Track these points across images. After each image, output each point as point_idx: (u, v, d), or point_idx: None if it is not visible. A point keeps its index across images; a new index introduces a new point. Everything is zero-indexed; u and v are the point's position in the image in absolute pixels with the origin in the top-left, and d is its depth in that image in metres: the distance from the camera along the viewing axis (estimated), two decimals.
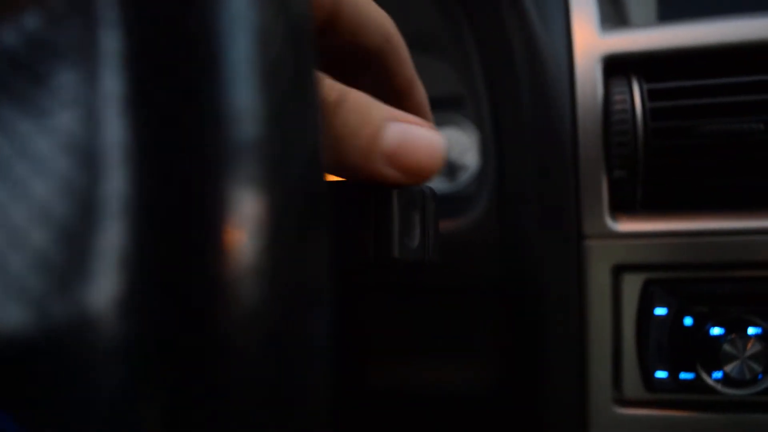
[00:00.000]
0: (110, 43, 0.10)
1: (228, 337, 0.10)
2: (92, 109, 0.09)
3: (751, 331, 0.46)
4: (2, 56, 0.10)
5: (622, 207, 0.49)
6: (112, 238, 0.09)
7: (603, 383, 0.49)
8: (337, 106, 0.17)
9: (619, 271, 0.48)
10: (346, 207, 0.20)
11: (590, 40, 0.50)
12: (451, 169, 0.73)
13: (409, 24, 0.69)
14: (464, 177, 0.73)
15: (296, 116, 0.12)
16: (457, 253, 0.54)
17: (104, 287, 0.09)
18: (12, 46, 0.10)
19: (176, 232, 0.09)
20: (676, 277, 0.48)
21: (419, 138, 0.19)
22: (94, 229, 0.09)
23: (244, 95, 0.10)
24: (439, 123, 0.75)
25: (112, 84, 0.09)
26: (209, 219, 0.09)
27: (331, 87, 0.18)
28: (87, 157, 0.09)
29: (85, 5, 0.10)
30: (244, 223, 0.10)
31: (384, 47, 0.24)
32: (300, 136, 0.12)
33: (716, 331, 0.46)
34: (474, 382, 0.60)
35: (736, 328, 0.46)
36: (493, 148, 0.54)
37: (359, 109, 0.18)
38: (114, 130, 0.09)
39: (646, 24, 0.64)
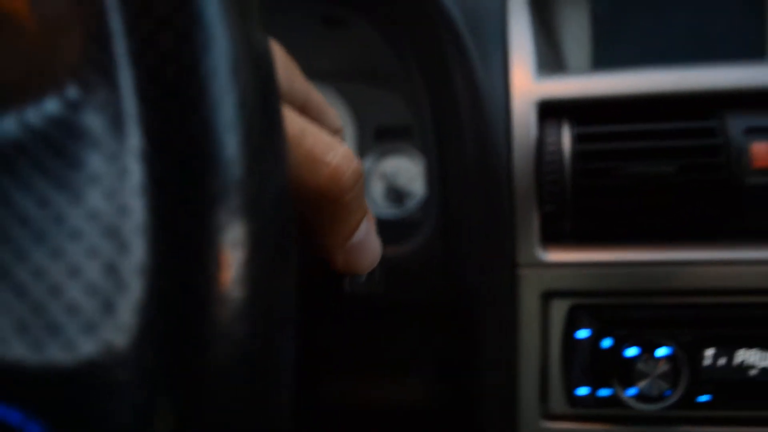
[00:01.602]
0: (133, 139, 0.13)
1: (219, 359, 0.13)
2: (116, 191, 0.13)
3: (661, 352, 0.51)
4: (37, 136, 0.14)
5: (552, 238, 0.54)
6: (131, 293, 0.13)
7: (531, 399, 0.54)
8: (301, 137, 0.22)
9: (547, 297, 0.53)
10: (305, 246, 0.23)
11: (526, 85, 0.55)
12: (399, 195, 0.78)
13: (365, 59, 0.74)
14: (411, 203, 0.77)
15: (268, 163, 0.15)
16: (404, 276, 0.58)
17: (124, 330, 0.12)
18: (46, 126, 0.14)
19: (183, 291, 0.13)
20: (598, 303, 0.53)
21: (373, 245, 0.24)
22: (118, 285, 0.13)
23: (231, 161, 0.14)
24: (390, 151, 0.79)
25: (134, 173, 0.13)
26: (209, 276, 0.13)
27: (293, 121, 0.22)
28: (111, 230, 0.13)
29: (114, 103, 0.13)
30: (233, 260, 0.13)
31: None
32: (272, 174, 0.15)
33: (631, 352, 0.51)
34: (418, 397, 0.64)
35: (649, 349, 0.51)
36: (437, 178, 0.58)
37: (319, 139, 0.22)
38: (134, 210, 0.13)
39: (581, 66, 0.70)
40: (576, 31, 0.71)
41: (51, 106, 0.14)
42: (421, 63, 0.57)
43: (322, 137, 0.23)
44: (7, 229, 0.13)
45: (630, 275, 0.52)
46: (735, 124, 0.51)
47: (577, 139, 0.52)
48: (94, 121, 0.13)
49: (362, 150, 0.80)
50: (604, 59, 0.70)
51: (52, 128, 0.14)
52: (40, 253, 0.13)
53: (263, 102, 0.15)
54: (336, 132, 0.32)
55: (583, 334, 0.52)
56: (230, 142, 0.14)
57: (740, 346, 0.51)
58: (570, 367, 0.53)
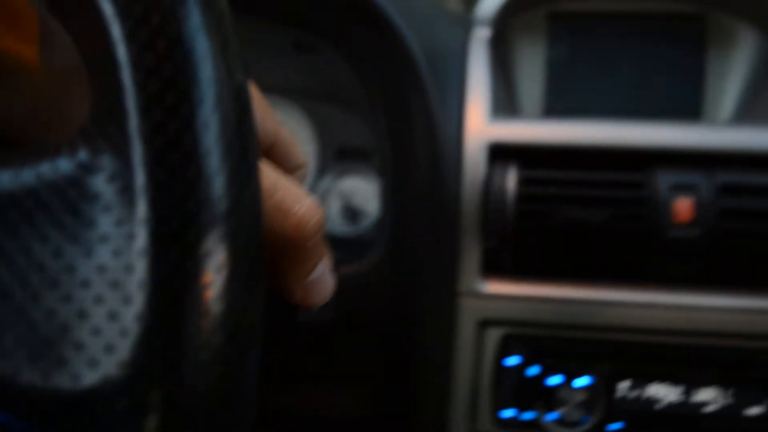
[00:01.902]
0: (141, 208, 0.16)
1: (200, 364, 0.16)
2: (123, 251, 0.16)
3: (581, 382, 0.56)
4: (53, 192, 0.17)
5: (492, 270, 0.58)
6: (131, 336, 0.16)
7: (462, 418, 0.58)
8: (273, 190, 0.25)
9: (483, 324, 0.57)
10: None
11: (480, 127, 0.59)
12: (354, 214, 0.81)
13: (331, 82, 0.77)
14: (366, 223, 0.81)
15: (247, 200, 0.19)
16: (353, 295, 0.61)
17: (123, 365, 0.16)
18: (61, 184, 0.17)
19: (174, 323, 0.16)
20: (528, 333, 0.57)
21: (328, 282, 0.28)
22: (120, 330, 0.16)
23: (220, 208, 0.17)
24: (349, 171, 0.83)
25: (139, 237, 0.16)
26: (195, 302, 0.16)
27: (267, 175, 0.25)
28: (117, 283, 0.16)
29: (125, 175, 0.17)
30: (216, 282, 0.17)
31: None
32: (249, 212, 0.19)
33: (554, 380, 0.56)
34: (361, 407, 0.68)
35: (570, 378, 0.56)
36: (390, 204, 0.62)
37: (288, 192, 0.26)
38: (138, 269, 0.16)
39: (533, 104, 0.75)
40: (531, 71, 0.76)
41: (65, 165, 0.17)
42: (383, 95, 0.61)
43: (292, 189, 0.26)
44: (26, 274, 0.16)
45: (559, 310, 0.56)
46: (663, 180, 0.56)
47: (521, 182, 0.57)
48: (106, 188, 0.17)
49: (323, 168, 0.83)
50: (555, 99, 0.75)
51: (67, 187, 0.17)
52: (54, 297, 0.16)
53: (245, 146, 0.18)
54: (300, 167, 0.35)
55: (512, 361, 0.57)
56: (218, 184, 0.17)
57: (651, 381, 0.56)
58: (498, 390, 0.57)
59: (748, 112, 0.70)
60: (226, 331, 0.17)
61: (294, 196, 0.25)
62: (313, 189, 0.83)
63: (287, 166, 0.32)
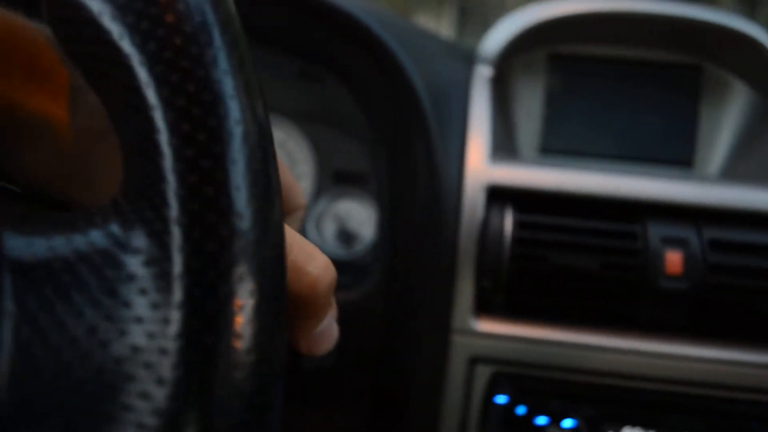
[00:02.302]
0: (177, 295, 0.17)
1: (231, 414, 0.17)
2: (157, 335, 0.17)
3: (567, 423, 0.57)
4: (87, 265, 0.18)
5: (485, 309, 0.59)
6: (162, 413, 0.17)
7: None
8: (289, 248, 0.25)
9: (474, 362, 0.58)
10: None
11: (479, 168, 0.60)
12: (349, 237, 0.82)
13: (334, 108, 0.78)
14: (360, 247, 0.82)
15: (272, 237, 0.19)
16: (347, 323, 0.62)
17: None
18: (95, 257, 0.18)
19: (203, 384, 0.17)
20: (518, 373, 0.59)
21: (333, 333, 0.29)
22: (151, 407, 0.17)
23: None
24: (345, 194, 0.84)
25: (174, 322, 0.17)
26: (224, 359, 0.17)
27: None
28: (150, 364, 0.17)
29: (162, 261, 0.17)
30: (243, 329, 0.18)
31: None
32: (276, 261, 0.20)
33: (541, 420, 0.57)
34: None
35: (557, 419, 0.57)
36: (388, 234, 0.63)
37: (303, 250, 0.26)
38: (171, 352, 0.17)
39: (530, 140, 0.77)
40: (530, 110, 0.77)
41: (98, 239, 0.17)
42: (386, 129, 0.62)
43: (306, 248, 0.27)
44: (60, 348, 0.17)
45: (548, 352, 0.58)
46: (654, 231, 0.58)
47: (517, 225, 0.58)
48: (143, 271, 0.17)
49: (319, 190, 0.84)
50: (552, 139, 0.77)
51: (103, 263, 0.17)
52: (83, 371, 0.17)
53: (268, 183, 0.19)
54: (298, 208, 0.35)
55: (501, 399, 0.58)
56: (246, 224, 0.18)
57: (635, 426, 0.58)
58: (486, 427, 0.58)
59: (737, 166, 0.72)
60: (255, 380, 0.18)
61: (308, 255, 0.25)
62: (309, 211, 0.84)
63: (286, 208, 0.33)
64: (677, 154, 0.75)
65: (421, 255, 0.60)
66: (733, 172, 0.73)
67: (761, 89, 0.73)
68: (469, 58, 0.75)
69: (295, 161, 0.85)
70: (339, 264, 0.80)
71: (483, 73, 0.71)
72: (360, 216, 0.83)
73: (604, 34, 0.74)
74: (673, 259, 0.56)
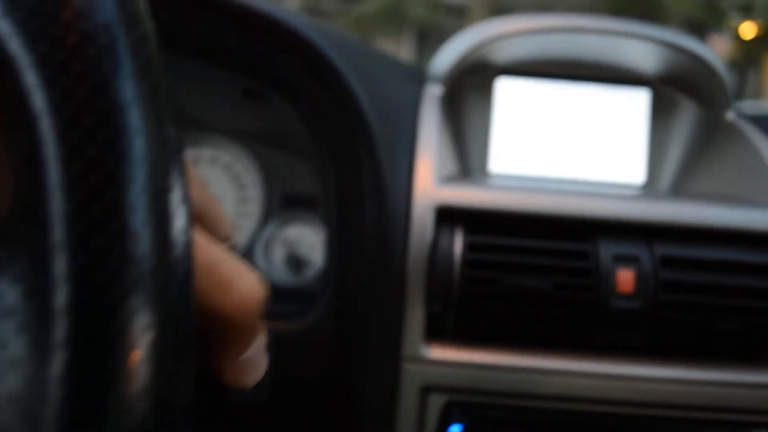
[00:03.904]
0: (59, 331, 0.15)
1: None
2: (37, 379, 0.14)
3: None
4: None
5: (435, 335, 0.57)
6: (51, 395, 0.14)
7: None
8: (215, 265, 0.23)
9: (426, 391, 0.56)
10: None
11: (428, 189, 0.58)
12: (299, 263, 0.79)
13: (281, 128, 0.76)
14: (310, 273, 0.79)
15: (175, 260, 0.17)
16: (295, 353, 0.59)
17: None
18: None
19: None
20: (472, 401, 0.56)
21: (261, 361, 0.26)
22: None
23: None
24: (295, 219, 0.81)
25: (56, 362, 0.14)
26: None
27: (209, 249, 0.23)
28: (29, 414, 0.14)
29: (43, 293, 0.15)
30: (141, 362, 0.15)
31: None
32: (180, 290, 0.17)
33: None
34: None
35: None
36: (336, 259, 0.60)
37: (231, 268, 0.24)
38: (52, 398, 0.14)
39: (482, 163, 0.76)
40: (481, 129, 0.76)
41: None
42: (332, 148, 0.59)
43: (234, 265, 0.24)
44: None
45: (503, 378, 0.56)
46: (606, 250, 0.56)
47: (467, 247, 0.56)
48: (24, 303, 0.15)
49: (268, 214, 0.81)
50: (503, 158, 0.76)
51: None
52: None
53: (172, 203, 0.17)
54: (225, 239, 0.33)
55: (455, 429, 0.56)
56: (141, 249, 0.16)
57: None
58: None
59: (687, 183, 0.72)
60: (151, 399, 0.16)
61: (235, 272, 0.23)
62: (257, 236, 0.81)
63: (213, 239, 0.31)
64: (628, 173, 0.75)
65: (370, 280, 0.58)
66: (684, 189, 0.73)
67: (709, 106, 0.73)
68: (420, 79, 0.74)
69: (243, 185, 0.82)
70: (288, 292, 0.78)
71: (433, 93, 0.70)
72: (311, 241, 0.80)
73: (553, 51, 0.74)
74: (625, 278, 0.55)
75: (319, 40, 0.55)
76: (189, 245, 0.18)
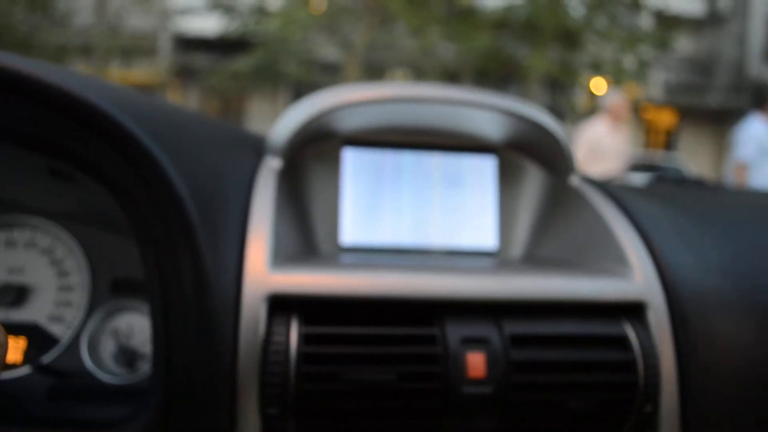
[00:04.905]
0: None
1: None
2: None
3: None
4: None
5: None
6: None
7: None
8: None
9: None
10: None
11: (260, 274, 0.52)
12: (131, 357, 0.70)
13: (96, 206, 0.67)
14: (146, 368, 0.70)
15: None
16: None
17: None
18: None
19: None
20: None
21: None
22: None
23: None
24: (126, 307, 0.72)
25: None
26: None
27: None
28: None
29: None
30: None
31: None
32: None
33: None
34: None
35: None
36: (162, 352, 0.52)
37: None
38: None
39: (328, 239, 0.71)
40: (326, 203, 0.72)
41: None
42: (149, 237, 0.52)
43: None
44: None
45: None
46: (454, 332, 0.53)
47: (303, 339, 0.51)
48: None
49: (94, 303, 0.72)
50: (350, 233, 0.72)
51: None
52: None
53: None
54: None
55: None
56: None
57: None
58: None
59: (538, 248, 0.71)
60: None
61: None
62: (82, 328, 0.71)
63: None
64: (480, 239, 0.73)
65: (197, 384, 0.50)
66: (534, 255, 0.72)
67: (554, 172, 0.73)
68: (261, 150, 0.68)
69: (65, 271, 0.72)
70: (118, 391, 0.68)
71: (271, 165, 0.65)
72: (145, 331, 0.71)
73: (398, 119, 0.72)
74: (475, 361, 0.52)
75: (121, 116, 0.48)
76: None
